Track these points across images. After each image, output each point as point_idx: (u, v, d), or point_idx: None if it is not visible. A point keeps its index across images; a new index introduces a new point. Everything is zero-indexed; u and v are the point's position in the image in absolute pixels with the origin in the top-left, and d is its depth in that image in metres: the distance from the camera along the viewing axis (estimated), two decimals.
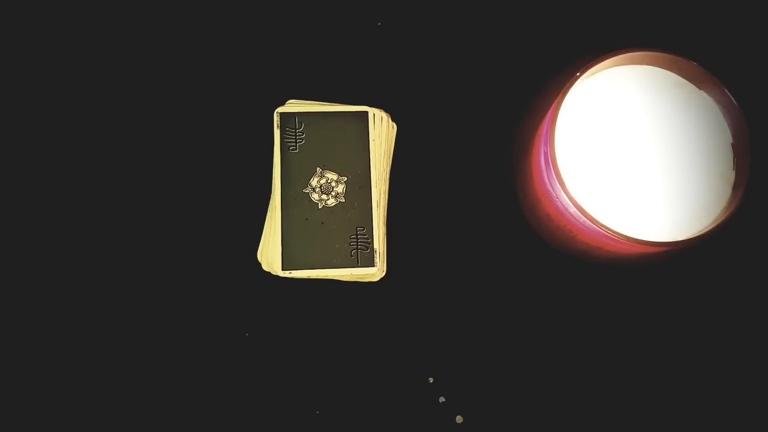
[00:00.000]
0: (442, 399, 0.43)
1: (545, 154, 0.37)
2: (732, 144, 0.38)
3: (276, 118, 0.44)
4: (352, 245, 0.43)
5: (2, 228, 0.44)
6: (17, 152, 0.45)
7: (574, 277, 0.44)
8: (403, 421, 0.43)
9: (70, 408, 0.43)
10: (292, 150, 0.44)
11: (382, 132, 0.44)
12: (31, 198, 0.45)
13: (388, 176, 0.44)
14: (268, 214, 0.43)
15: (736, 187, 0.37)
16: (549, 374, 0.43)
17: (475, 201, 0.45)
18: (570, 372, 0.44)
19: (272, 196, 0.43)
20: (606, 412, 0.43)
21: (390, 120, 0.44)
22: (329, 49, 0.46)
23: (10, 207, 0.44)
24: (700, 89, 0.38)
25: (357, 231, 0.43)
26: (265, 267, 0.43)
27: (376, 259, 0.43)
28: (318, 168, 0.43)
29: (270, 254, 0.43)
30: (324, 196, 0.43)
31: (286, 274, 0.42)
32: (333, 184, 0.43)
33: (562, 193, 0.36)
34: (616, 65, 0.38)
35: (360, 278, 0.43)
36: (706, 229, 0.36)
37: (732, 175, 0.37)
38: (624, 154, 0.38)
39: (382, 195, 0.44)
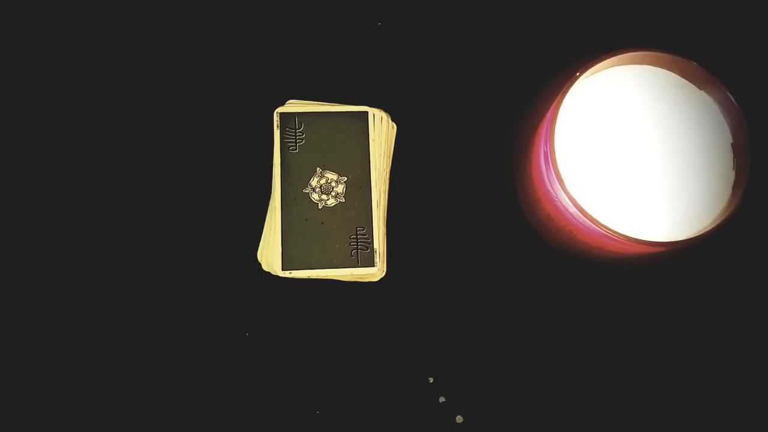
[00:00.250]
0: (442, 399, 0.43)
1: (545, 154, 0.37)
2: (732, 144, 0.38)
3: (276, 118, 0.44)
4: (352, 245, 0.43)
5: (2, 228, 0.44)
6: (17, 152, 0.45)
7: (574, 277, 0.44)
8: (403, 421, 0.43)
9: (70, 408, 0.43)
10: (292, 150, 0.44)
11: (382, 132, 0.44)
12: (31, 198, 0.45)
13: (388, 176, 0.44)
14: (268, 214, 0.43)
15: (736, 187, 0.37)
16: (549, 374, 0.43)
17: (475, 201, 0.45)
18: (570, 372, 0.44)
19: (272, 196, 0.43)
20: (606, 412, 0.43)
21: (390, 120, 0.44)
22: (329, 49, 0.46)
23: (10, 207, 0.44)
24: (700, 89, 0.38)
25: (357, 231, 0.43)
26: (265, 267, 0.43)
27: (376, 259, 0.43)
28: (318, 168, 0.43)
29: (270, 254, 0.43)
30: (324, 196, 0.43)
31: (286, 274, 0.42)
32: (333, 184, 0.43)
33: (562, 192, 0.36)
34: (616, 65, 0.38)
35: (360, 278, 0.43)
36: (706, 229, 0.36)
37: (732, 175, 0.37)
38: (624, 154, 0.38)
39: (382, 195, 0.44)
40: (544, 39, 0.46)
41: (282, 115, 0.44)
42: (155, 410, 0.43)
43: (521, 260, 0.44)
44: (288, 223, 0.43)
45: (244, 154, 0.45)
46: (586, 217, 0.36)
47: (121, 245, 0.44)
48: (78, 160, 0.45)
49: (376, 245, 0.43)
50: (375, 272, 0.43)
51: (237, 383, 0.43)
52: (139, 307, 0.44)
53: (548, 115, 0.37)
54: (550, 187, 0.37)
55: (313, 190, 0.43)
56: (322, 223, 0.43)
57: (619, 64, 0.38)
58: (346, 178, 0.43)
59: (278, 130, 0.44)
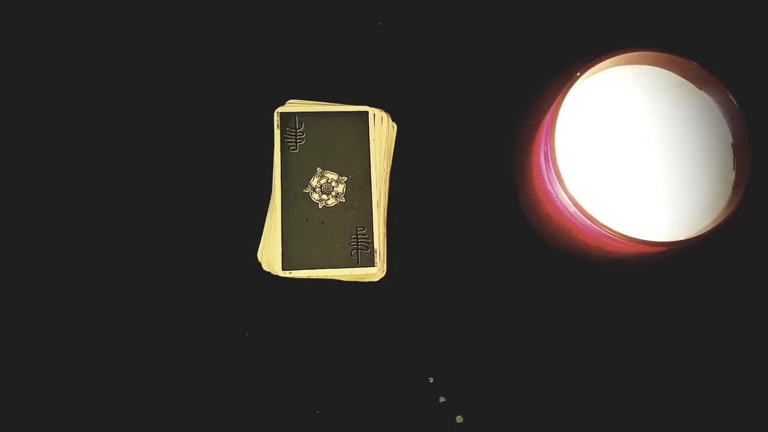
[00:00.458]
0: (442, 399, 0.43)
1: (545, 153, 0.37)
2: (732, 144, 0.38)
3: (276, 118, 0.44)
4: (352, 245, 0.43)
5: (2, 229, 0.44)
6: (18, 153, 0.45)
7: (574, 277, 0.44)
8: (403, 421, 0.43)
9: (70, 408, 0.43)
10: (292, 150, 0.44)
11: (382, 132, 0.44)
12: (31, 199, 0.45)
13: (388, 176, 0.44)
14: (269, 214, 0.43)
15: (736, 187, 0.37)
16: (549, 374, 0.43)
17: (475, 201, 0.45)
18: (570, 372, 0.44)
19: (272, 196, 0.43)
20: (606, 411, 0.43)
21: (390, 120, 0.44)
22: (329, 49, 0.46)
23: (10, 207, 0.44)
24: (700, 89, 0.38)
25: (357, 231, 0.43)
26: (265, 267, 0.43)
27: (376, 259, 0.43)
28: (318, 168, 0.43)
29: (270, 254, 0.43)
30: (324, 196, 0.43)
31: (286, 274, 0.42)
32: (333, 184, 0.43)
33: (562, 192, 0.36)
34: (616, 65, 0.38)
35: (360, 278, 0.43)
36: (706, 229, 0.36)
37: (732, 175, 0.37)
38: (624, 154, 0.38)
39: (382, 195, 0.44)
40: (544, 39, 0.46)
41: (282, 114, 0.44)
42: (155, 410, 0.43)
43: (521, 260, 0.44)
44: (288, 223, 0.43)
45: (244, 154, 0.45)
46: (586, 217, 0.36)
47: (122, 245, 0.44)
48: (78, 160, 0.45)
49: (376, 245, 0.43)
50: (375, 272, 0.43)
51: (237, 383, 0.43)
52: (140, 306, 0.44)
53: (548, 115, 0.37)
54: (550, 187, 0.37)
55: (314, 189, 0.43)
56: (323, 223, 0.43)
57: (619, 64, 0.38)
58: (346, 178, 0.43)
59: (278, 130, 0.44)
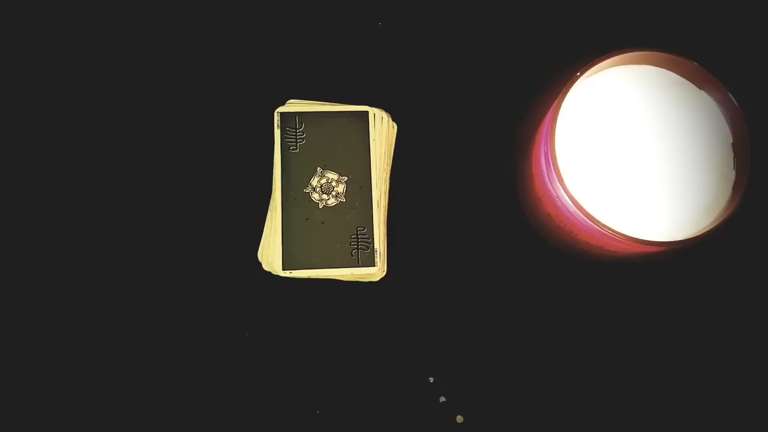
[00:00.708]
0: (442, 399, 0.43)
1: (545, 154, 0.37)
2: (732, 144, 0.38)
3: (276, 118, 0.44)
4: (353, 245, 0.43)
5: (3, 229, 0.44)
6: (18, 153, 0.45)
7: (575, 276, 0.44)
8: (403, 421, 0.43)
9: (70, 408, 0.43)
10: (292, 150, 0.44)
11: (382, 132, 0.44)
12: (32, 199, 0.45)
13: (388, 176, 0.44)
14: (269, 213, 0.43)
15: (736, 187, 0.37)
16: (549, 374, 0.43)
17: (475, 201, 0.45)
18: (570, 371, 0.44)
19: (273, 195, 0.43)
20: (606, 411, 0.43)
21: (390, 120, 0.44)
22: (329, 49, 0.46)
23: (11, 208, 0.44)
24: (700, 89, 0.38)
25: (357, 231, 0.43)
26: (265, 267, 0.43)
27: (377, 259, 0.43)
28: (318, 168, 0.43)
29: (270, 254, 0.43)
30: (324, 196, 0.43)
31: (287, 273, 0.42)
32: (333, 183, 0.43)
33: (563, 192, 0.36)
34: (616, 65, 0.38)
35: (360, 278, 0.43)
36: (706, 229, 0.36)
37: (732, 175, 0.38)
38: (624, 154, 0.38)
39: (383, 195, 0.44)
40: (544, 39, 0.46)
41: (282, 114, 0.44)
42: (155, 410, 0.43)
43: (522, 260, 0.44)
44: (288, 223, 0.43)
45: (245, 154, 0.45)
46: (586, 216, 0.36)
47: (122, 245, 0.44)
48: (79, 160, 0.45)
49: (376, 245, 0.43)
50: (375, 272, 0.43)
51: (237, 383, 0.43)
52: (140, 306, 0.44)
53: (548, 115, 0.37)
54: (550, 187, 0.37)
55: (314, 189, 0.43)
56: (323, 222, 0.43)
57: (619, 64, 0.38)
58: (346, 178, 0.43)
59: (279, 130, 0.44)
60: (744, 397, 0.43)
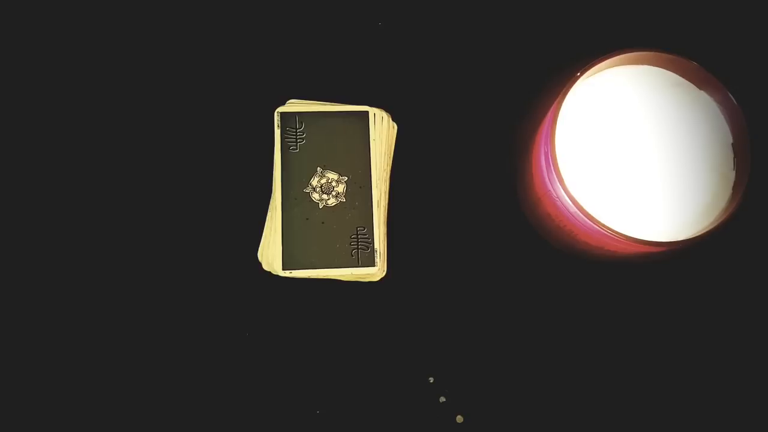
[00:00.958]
0: (442, 399, 0.43)
1: (545, 154, 0.37)
2: (732, 144, 0.38)
3: (276, 118, 0.44)
4: (353, 245, 0.43)
5: (3, 229, 0.44)
6: (18, 153, 0.45)
7: (575, 276, 0.44)
8: (403, 421, 0.43)
9: (70, 408, 0.43)
10: (292, 150, 0.44)
11: (382, 132, 0.44)
12: (32, 199, 0.45)
13: (388, 176, 0.44)
14: (269, 213, 0.43)
15: (736, 187, 0.37)
16: (549, 374, 0.43)
17: (475, 201, 0.45)
18: (570, 371, 0.44)
19: (273, 195, 0.43)
20: (606, 411, 0.43)
21: (390, 120, 0.44)
22: (329, 49, 0.46)
23: (11, 208, 0.44)
24: (700, 89, 0.38)
25: (357, 231, 0.43)
26: (265, 267, 0.43)
27: (377, 259, 0.43)
28: (318, 168, 0.43)
29: (270, 254, 0.43)
30: (324, 196, 0.43)
31: (287, 273, 0.42)
32: (333, 183, 0.43)
33: (563, 192, 0.36)
34: (616, 65, 0.38)
35: (360, 278, 0.43)
36: (706, 229, 0.36)
37: (732, 175, 0.38)
38: (624, 154, 0.38)
39: (383, 195, 0.44)
40: (544, 39, 0.46)
41: (282, 114, 0.44)
42: (155, 410, 0.43)
43: (522, 260, 0.44)
44: (288, 223, 0.43)
45: (245, 154, 0.45)
46: (586, 216, 0.36)
47: (122, 245, 0.44)
48: (79, 160, 0.45)
49: (376, 245, 0.43)
50: (375, 272, 0.43)
51: (237, 383, 0.43)
52: (140, 306, 0.44)
53: (548, 115, 0.37)
54: (550, 187, 0.37)
55: (314, 189, 0.43)
56: (323, 222, 0.43)
57: (619, 64, 0.38)
58: (346, 178, 0.43)
59: (279, 130, 0.44)
60: (744, 397, 0.43)
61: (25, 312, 0.44)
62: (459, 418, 0.43)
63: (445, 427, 0.43)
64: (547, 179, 0.37)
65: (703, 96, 0.38)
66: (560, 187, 0.36)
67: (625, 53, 0.37)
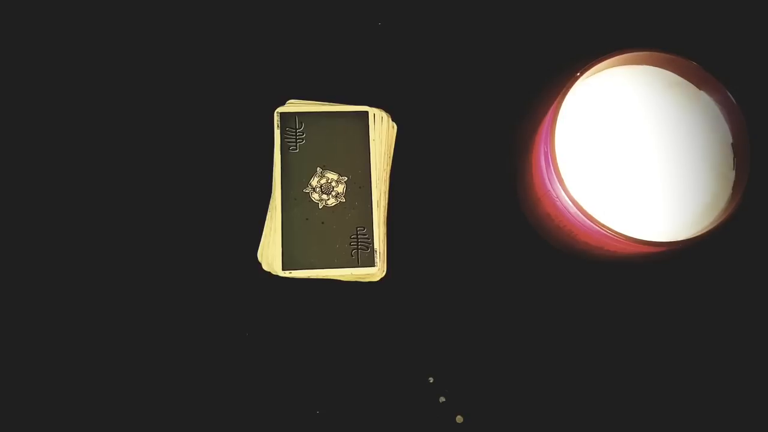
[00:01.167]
0: (442, 399, 0.43)
1: (545, 154, 0.37)
2: (732, 144, 0.38)
3: (276, 118, 0.44)
4: (353, 245, 0.43)
5: (3, 229, 0.44)
6: (18, 153, 0.45)
7: (574, 276, 0.44)
8: (403, 421, 0.43)
9: (70, 408, 0.43)
10: (292, 150, 0.44)
11: (382, 132, 0.44)
12: (32, 199, 0.45)
13: (388, 176, 0.44)
14: (269, 213, 0.43)
15: (736, 187, 0.37)
16: (549, 374, 0.43)
17: (475, 201, 0.45)
18: (570, 371, 0.44)
19: (272, 195, 0.43)
20: (606, 411, 0.43)
21: (390, 120, 0.44)
22: (329, 49, 0.46)
23: (10, 208, 0.44)
24: (700, 89, 0.38)
25: (357, 231, 0.43)
26: (265, 267, 0.43)
27: (377, 259, 0.43)
28: (318, 168, 0.43)
29: (270, 254, 0.43)
30: (324, 196, 0.43)
31: (286, 274, 0.42)
32: (333, 184, 0.43)
33: (562, 192, 0.36)
34: (616, 65, 0.38)
35: (360, 278, 0.43)
36: (706, 229, 0.36)
37: (732, 175, 0.38)
38: (624, 154, 0.38)
39: (383, 195, 0.44)
40: (544, 39, 0.46)
41: (282, 114, 0.44)
42: (155, 410, 0.43)
43: (521, 260, 0.44)
44: (288, 223, 0.43)
45: (244, 154, 0.45)
46: (586, 217, 0.36)
47: (122, 245, 0.44)
48: (79, 160, 0.45)
49: (376, 245, 0.43)
50: (375, 272, 0.43)
51: (237, 383, 0.43)
52: (140, 306, 0.44)
53: (548, 115, 0.37)
54: (550, 187, 0.37)
55: (314, 189, 0.43)
56: (323, 222, 0.43)
57: (619, 64, 0.38)
58: (346, 178, 0.43)
59: (278, 130, 0.44)
60: (744, 397, 0.43)
61: (25, 312, 0.44)
62: (459, 418, 0.43)
63: (445, 427, 0.43)
64: (546, 179, 0.37)
65: (702, 96, 0.38)
66: (560, 187, 0.36)
67: (624, 53, 0.37)
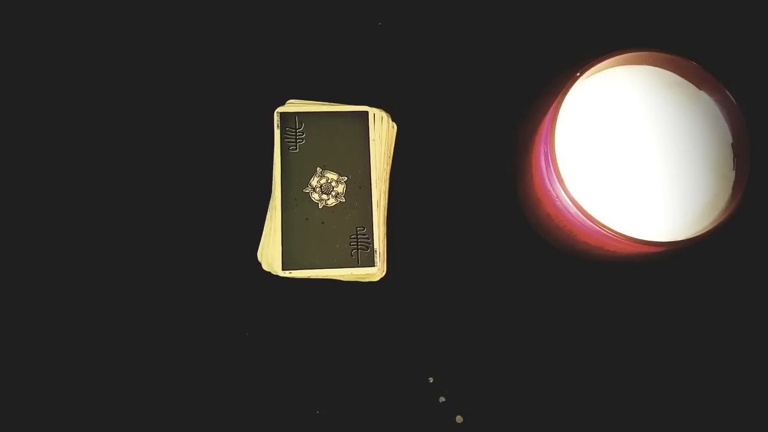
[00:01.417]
0: (442, 399, 0.43)
1: (545, 154, 0.37)
2: (732, 144, 0.38)
3: (276, 118, 0.44)
4: (353, 245, 0.43)
5: (2, 229, 0.44)
6: (17, 153, 0.45)
7: (574, 276, 0.44)
8: (403, 421, 0.43)
9: (70, 408, 0.43)
10: (292, 150, 0.44)
11: (382, 132, 0.44)
12: (31, 199, 0.45)
13: (388, 176, 0.44)
14: (269, 213, 0.43)
15: (736, 187, 0.37)
16: (549, 374, 0.43)
17: (475, 201, 0.45)
18: (570, 371, 0.44)
19: (272, 195, 0.43)
20: (606, 411, 0.43)
21: (390, 120, 0.44)
22: (329, 49, 0.46)
23: (10, 208, 0.44)
24: (700, 89, 0.38)
25: (357, 231, 0.43)
26: (265, 267, 0.43)
27: (377, 259, 0.43)
28: (318, 168, 0.43)
29: (270, 254, 0.43)
30: (324, 196, 0.43)
31: (286, 274, 0.42)
32: (333, 183, 0.43)
33: (562, 192, 0.36)
34: (616, 65, 0.38)
35: (360, 278, 0.43)
36: (706, 229, 0.36)
37: (732, 175, 0.38)
38: (624, 154, 0.38)
39: (382, 195, 0.44)
40: (544, 39, 0.46)
41: (282, 114, 0.44)
42: (155, 410, 0.43)
43: (522, 260, 0.44)
44: (288, 223, 0.43)
45: (244, 154, 0.45)
46: (586, 217, 0.36)
47: (122, 245, 0.44)
48: (79, 160, 0.45)
49: (376, 245, 0.43)
50: (375, 272, 0.43)
51: (237, 383, 0.43)
52: (140, 306, 0.44)
53: (548, 115, 0.37)
54: (550, 187, 0.37)
55: (314, 189, 0.43)
56: (323, 222, 0.43)
57: (619, 64, 0.38)
58: (346, 178, 0.43)
59: (278, 130, 0.44)
60: (744, 397, 0.43)
61: (24, 311, 0.44)
62: (459, 418, 0.43)
63: (445, 427, 0.43)
64: (546, 179, 0.37)
65: (702, 96, 0.38)
66: (560, 187, 0.36)
67: (624, 53, 0.37)
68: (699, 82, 0.38)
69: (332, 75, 0.46)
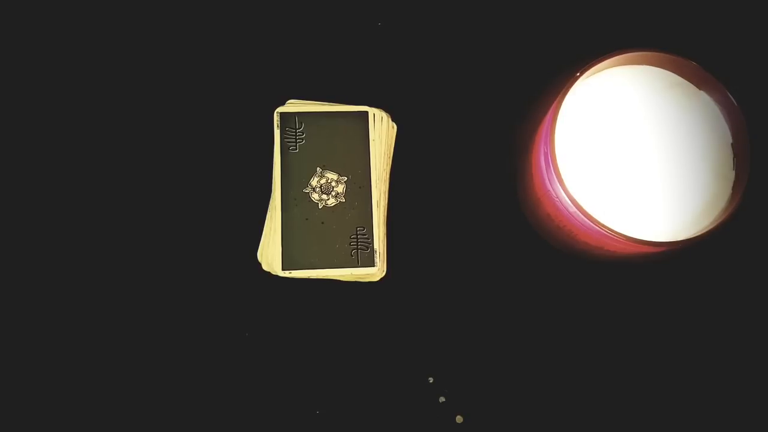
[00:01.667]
0: (442, 399, 0.43)
1: (545, 154, 0.37)
2: (732, 144, 0.38)
3: (276, 118, 0.44)
4: (352, 245, 0.43)
5: (2, 229, 0.44)
6: (17, 153, 0.45)
7: (575, 276, 0.44)
8: (403, 421, 0.43)
9: (70, 408, 0.43)
10: (292, 150, 0.44)
11: (382, 132, 0.44)
12: (31, 199, 0.45)
13: (388, 176, 0.44)
14: (268, 214, 0.43)
15: (736, 187, 0.37)
16: (549, 374, 0.43)
17: (475, 201, 0.45)
18: (570, 371, 0.44)
19: (272, 195, 0.43)
20: (606, 411, 0.43)
21: (390, 120, 0.44)
22: (329, 49, 0.46)
23: (10, 207, 0.44)
24: (700, 89, 0.38)
25: (357, 231, 0.43)
26: (265, 267, 0.43)
27: (376, 259, 0.43)
28: (318, 168, 0.43)
29: (270, 254, 0.43)
30: (324, 196, 0.43)
31: (286, 274, 0.42)
32: (333, 184, 0.43)
33: (562, 192, 0.36)
34: (616, 65, 0.38)
35: (360, 278, 0.43)
36: (706, 229, 0.36)
37: (732, 175, 0.37)
38: (624, 154, 0.38)
39: (382, 195, 0.44)
40: (544, 39, 0.46)
41: (282, 114, 0.44)
42: (155, 410, 0.43)
43: (522, 260, 0.44)
44: (288, 223, 0.43)
45: (244, 154, 0.45)
46: (586, 217, 0.36)
47: (122, 245, 0.44)
48: (79, 160, 0.45)
49: (376, 245, 0.43)
50: (375, 272, 0.43)
51: (237, 383, 0.43)
52: (140, 306, 0.44)
53: (548, 115, 0.37)
54: (550, 187, 0.37)
55: (314, 189, 0.43)
56: (323, 222, 0.43)
57: (619, 64, 0.38)
58: (346, 178, 0.43)
59: (278, 130, 0.44)
60: (744, 397, 0.43)
61: (24, 311, 0.44)
62: (459, 418, 0.43)
63: (445, 427, 0.43)
64: (546, 179, 0.37)
65: (702, 96, 0.38)
66: (560, 187, 0.36)
67: (624, 53, 0.37)
68: (699, 82, 0.38)
69: (332, 75, 0.46)
